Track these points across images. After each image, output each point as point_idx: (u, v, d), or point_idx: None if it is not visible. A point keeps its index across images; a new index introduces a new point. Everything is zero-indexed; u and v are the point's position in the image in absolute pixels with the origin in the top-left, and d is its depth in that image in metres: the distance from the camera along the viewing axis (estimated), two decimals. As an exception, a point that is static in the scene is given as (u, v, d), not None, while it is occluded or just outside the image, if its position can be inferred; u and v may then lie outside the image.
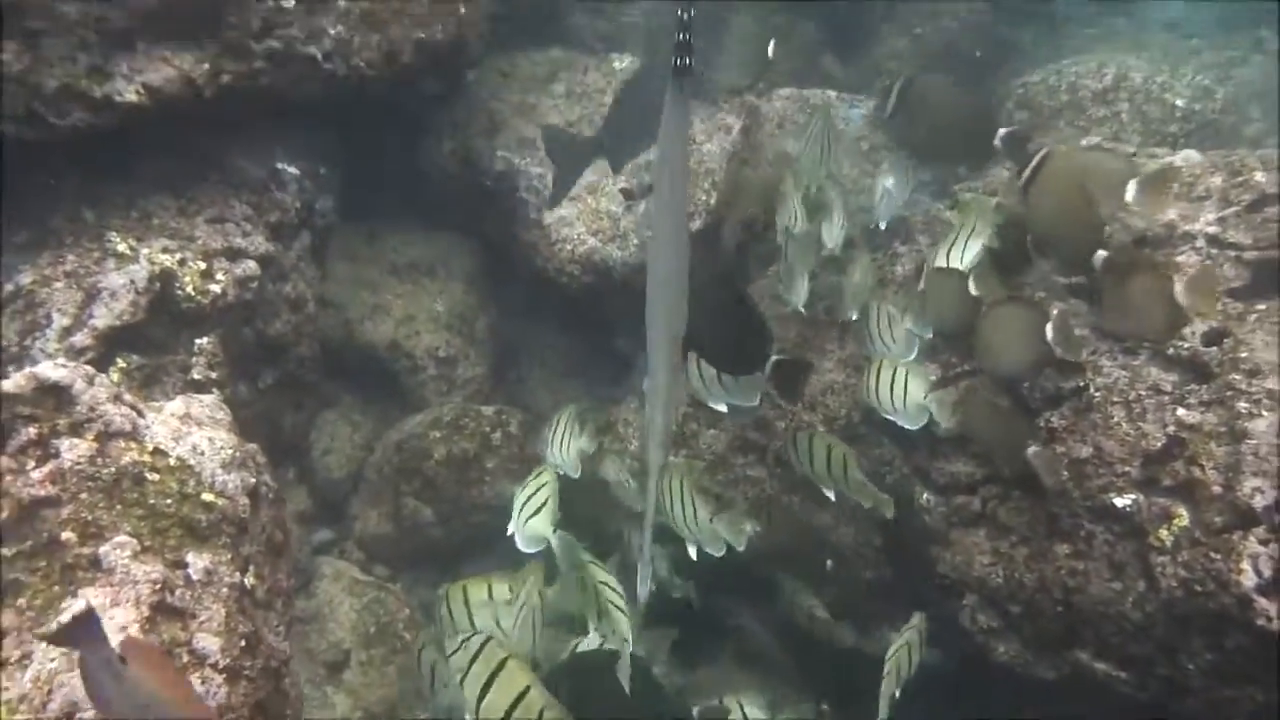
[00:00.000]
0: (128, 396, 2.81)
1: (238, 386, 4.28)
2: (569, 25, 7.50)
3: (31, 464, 2.54)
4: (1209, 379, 3.70)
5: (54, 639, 2.05)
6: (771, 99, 6.21)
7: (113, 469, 2.62)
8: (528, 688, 2.90)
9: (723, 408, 4.01)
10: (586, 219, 5.23)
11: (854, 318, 4.44)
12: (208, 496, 2.75)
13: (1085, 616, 3.75)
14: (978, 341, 3.92)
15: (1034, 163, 3.88)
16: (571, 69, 6.14)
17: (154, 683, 1.98)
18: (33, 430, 2.58)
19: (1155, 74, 7.55)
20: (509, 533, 3.87)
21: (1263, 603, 3.23)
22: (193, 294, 4.08)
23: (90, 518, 2.52)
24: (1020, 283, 4.28)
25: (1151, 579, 3.56)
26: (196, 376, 4.03)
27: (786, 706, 4.55)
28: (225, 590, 2.61)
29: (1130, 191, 3.76)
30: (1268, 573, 3.23)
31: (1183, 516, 3.51)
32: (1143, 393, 3.75)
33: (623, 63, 6.09)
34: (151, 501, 2.62)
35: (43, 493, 2.51)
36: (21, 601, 2.38)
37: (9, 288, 3.90)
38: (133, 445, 2.69)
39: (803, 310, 4.50)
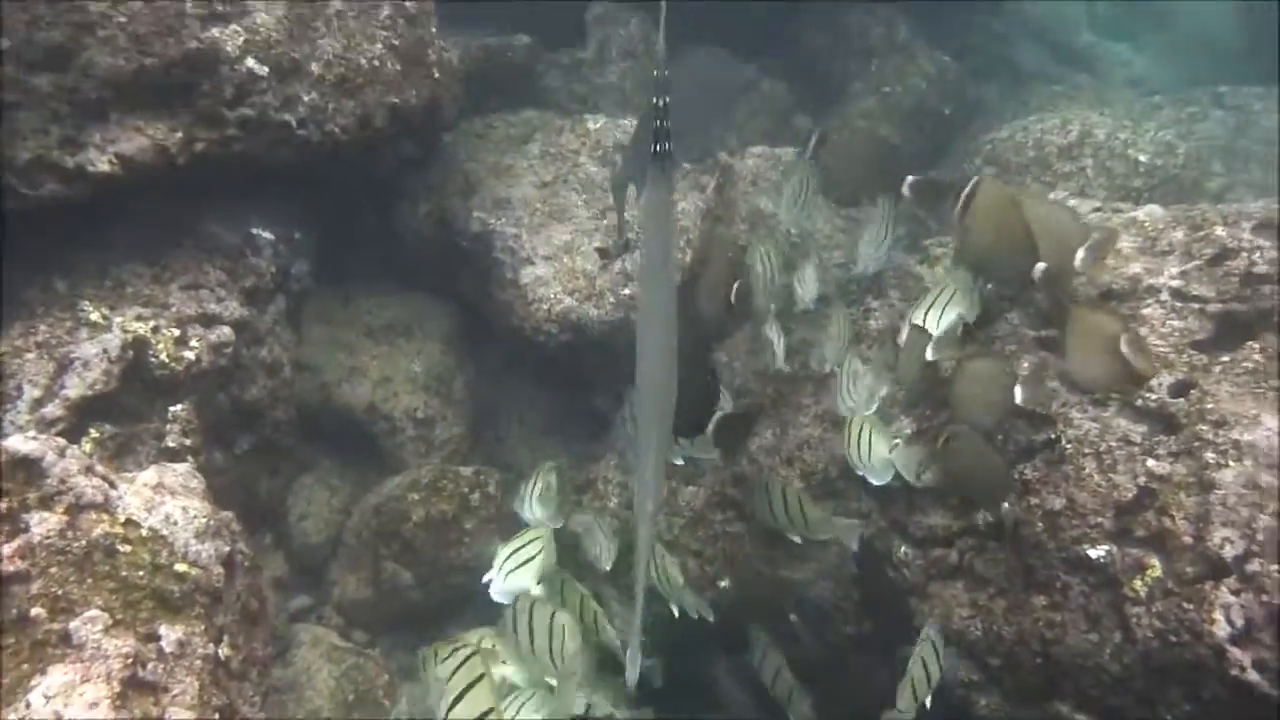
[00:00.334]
0: (99, 467, 2.80)
1: (213, 453, 4.26)
2: (543, 87, 7.63)
3: (0, 539, 2.52)
4: (1177, 430, 3.74)
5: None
6: (744, 157, 6.31)
7: (84, 542, 2.60)
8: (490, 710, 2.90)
9: (679, 460, 4.10)
10: (563, 278, 5.26)
11: (830, 371, 4.47)
12: (181, 567, 2.73)
13: (1064, 668, 3.75)
14: (951, 396, 3.96)
15: (966, 191, 4.00)
16: (546, 130, 6.23)
17: None
18: (2, 505, 2.56)
19: (1119, 130, 7.72)
20: (485, 580, 3.87)
21: (1236, 653, 3.24)
22: (166, 361, 4.08)
23: (60, 592, 2.50)
24: (992, 335, 4.33)
25: (1127, 630, 3.57)
26: (171, 444, 4.02)
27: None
28: (199, 662, 2.59)
29: (1079, 255, 3.97)
30: (1240, 622, 3.25)
31: (1155, 567, 3.52)
32: (1113, 444, 3.78)
33: (597, 123, 6.17)
34: (123, 574, 2.61)
35: (11, 568, 2.49)
36: (-10, 680, 2.36)
37: (-21, 359, 3.89)
38: (104, 517, 2.68)
39: (783, 367, 4.54)
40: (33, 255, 4.21)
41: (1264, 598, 3.23)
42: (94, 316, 4.07)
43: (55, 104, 3.90)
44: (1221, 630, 3.27)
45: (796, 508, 3.99)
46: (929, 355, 4.09)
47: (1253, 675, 3.22)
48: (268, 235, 4.75)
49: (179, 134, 4.15)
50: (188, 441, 4.06)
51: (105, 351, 3.92)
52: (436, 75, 5.17)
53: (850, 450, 4.01)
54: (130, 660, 2.42)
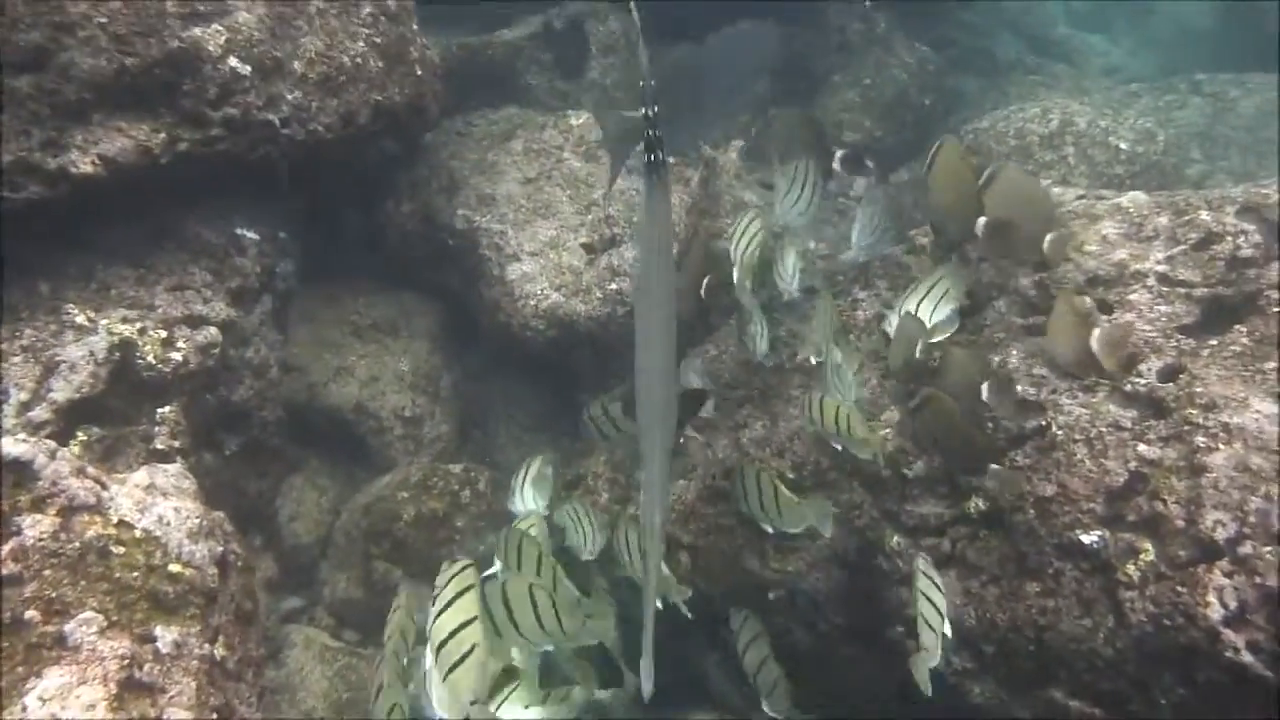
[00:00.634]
0: (91, 469, 2.78)
1: (202, 455, 4.23)
2: (525, 85, 7.61)
3: (-7, 543, 2.50)
4: (1166, 414, 3.76)
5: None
6: (728, 150, 6.31)
7: (77, 544, 2.58)
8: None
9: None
10: (549, 274, 5.26)
11: (814, 361, 4.47)
12: (174, 568, 2.71)
13: (1058, 654, 3.76)
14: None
15: (931, 152, 4.20)
16: (529, 126, 6.22)
17: None
18: (-7, 508, 2.54)
19: (1099, 118, 7.76)
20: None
21: (1230, 635, 3.26)
22: (154, 363, 4.05)
23: (54, 595, 2.48)
24: (981, 324, 4.35)
25: (1121, 615, 3.58)
26: (159, 446, 3.99)
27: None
28: (195, 663, 2.57)
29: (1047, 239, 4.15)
30: (1234, 605, 3.27)
31: (1148, 551, 3.54)
32: (1103, 430, 3.79)
33: (580, 119, 6.16)
34: (117, 575, 2.59)
35: (4, 571, 2.47)
36: (-14, 684, 2.33)
37: (-36, 363, 3.85)
38: (97, 519, 2.66)
39: (765, 357, 4.54)
40: (15, 258, 4.17)
41: (1257, 579, 3.25)
42: (79, 319, 4.04)
43: (36, 106, 3.86)
44: (1215, 613, 3.29)
45: (771, 497, 3.99)
46: (919, 346, 4.10)
47: (1247, 657, 3.23)
48: (252, 235, 4.72)
49: (162, 134, 4.12)
50: (176, 443, 4.04)
51: (92, 354, 3.88)
52: (419, 72, 5.15)
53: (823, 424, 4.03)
54: (127, 662, 2.40)
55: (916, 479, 4.12)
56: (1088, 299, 4.19)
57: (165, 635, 2.56)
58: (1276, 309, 3.94)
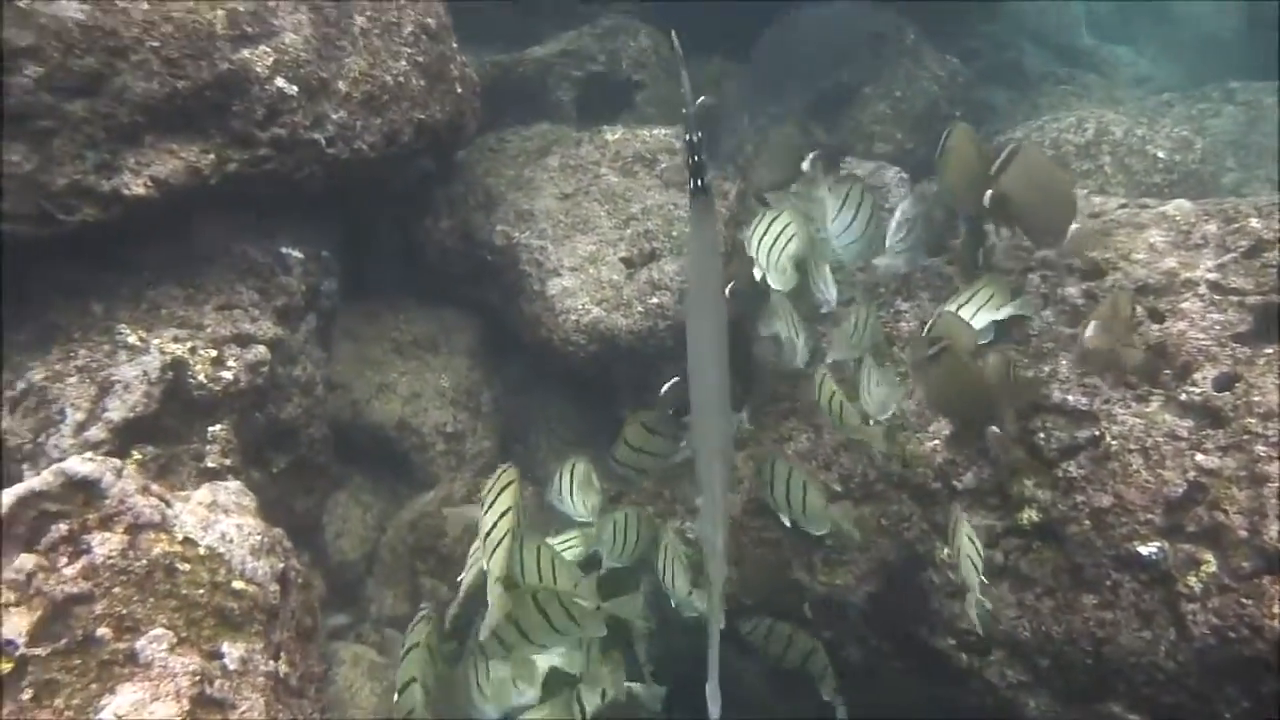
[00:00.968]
0: (155, 487, 2.80)
1: (251, 473, 4.25)
2: (556, 101, 7.64)
3: (63, 561, 2.52)
4: (1224, 424, 3.72)
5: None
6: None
7: (144, 561, 2.59)
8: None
9: None
10: (589, 289, 5.26)
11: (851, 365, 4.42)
12: (238, 584, 2.72)
13: (1116, 667, 3.72)
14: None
15: (944, 136, 4.35)
16: (564, 142, 6.23)
17: None
18: (63, 527, 2.56)
19: (1135, 127, 7.72)
20: None
21: (1299, 646, 3.22)
22: (205, 382, 4.08)
23: (125, 612, 2.49)
24: (1028, 333, 4.31)
25: (1182, 627, 3.55)
26: (211, 464, 4.00)
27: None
28: (261, 679, 2.58)
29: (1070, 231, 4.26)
30: (1301, 615, 3.23)
31: (1210, 562, 3.51)
32: (1159, 440, 3.76)
33: (615, 134, 6.17)
34: (184, 592, 2.60)
35: (75, 589, 2.48)
36: (59, 702, 2.34)
37: (21, 385, 3.88)
38: (163, 536, 2.67)
39: (799, 366, 4.47)
40: (65, 279, 4.22)
41: (1324, 589, 3.21)
42: (131, 339, 4.07)
43: (90, 129, 3.89)
44: (1283, 624, 3.25)
45: (799, 493, 3.95)
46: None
47: (1315, 669, 3.19)
48: (297, 254, 4.75)
49: (211, 155, 4.15)
50: (227, 461, 4.05)
51: (145, 373, 3.91)
52: (459, 90, 5.18)
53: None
54: (198, 678, 2.41)
55: (966, 490, 4.09)
56: (1137, 306, 4.15)
57: (231, 652, 2.57)
58: (1333, 316, 3.90)
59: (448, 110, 5.03)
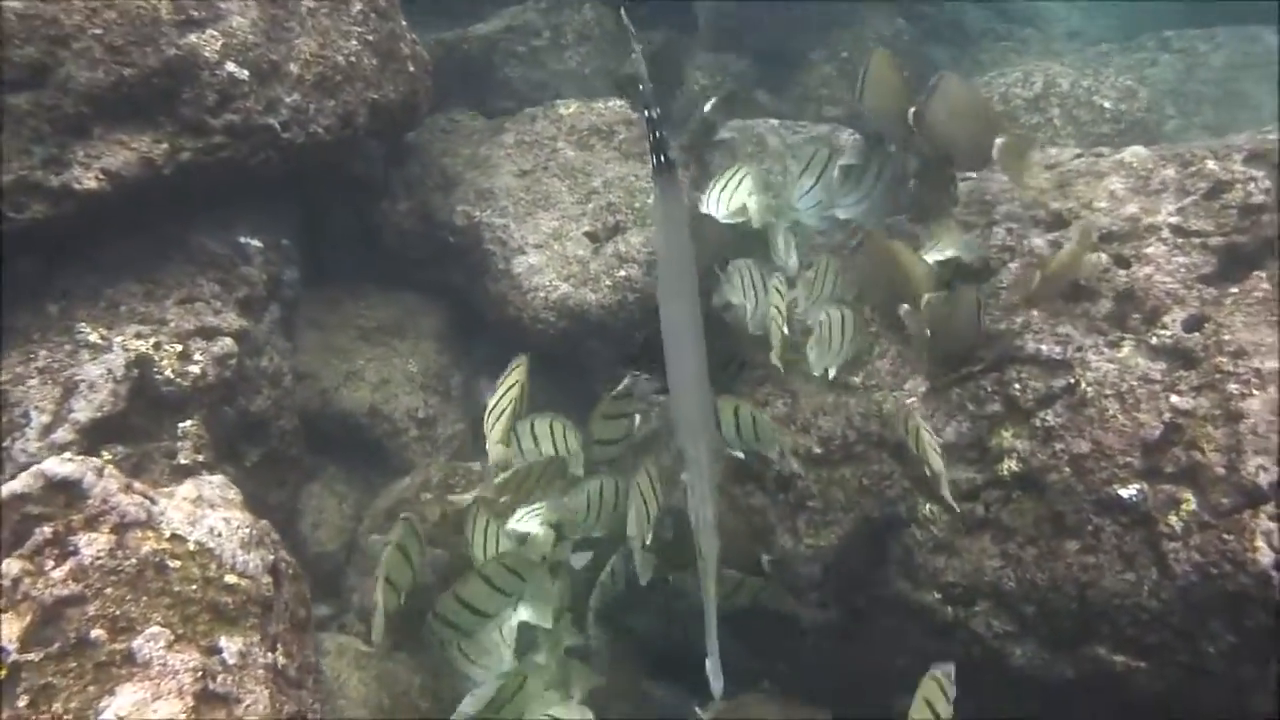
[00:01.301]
0: (138, 485, 2.74)
1: (224, 468, 4.16)
2: (502, 78, 7.55)
3: (50, 564, 2.46)
4: (1196, 365, 3.77)
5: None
6: (722, 131, 6.32)
7: (134, 560, 2.54)
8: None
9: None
10: (556, 266, 5.22)
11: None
12: (230, 578, 2.67)
13: (1101, 610, 3.77)
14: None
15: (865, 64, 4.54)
16: (518, 119, 6.17)
17: None
18: (48, 529, 2.49)
19: (1080, 79, 7.79)
20: None
21: (1280, 578, 3.28)
22: (172, 377, 4.00)
23: (118, 612, 2.43)
24: (996, 285, 4.34)
25: (1164, 567, 3.59)
26: (183, 461, 3.93)
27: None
28: (261, 672, 2.54)
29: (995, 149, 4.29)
30: (1284, 548, 3.29)
31: (1190, 501, 3.56)
32: (1134, 384, 3.80)
33: (569, 108, 6.12)
34: (177, 589, 2.55)
35: (65, 592, 2.42)
36: (56, 706, 2.29)
37: (-20, 389, 3.78)
38: (150, 534, 2.61)
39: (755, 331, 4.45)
40: (19, 280, 4.10)
41: (1305, 520, 3.27)
42: (93, 338, 3.97)
43: (36, 123, 3.79)
44: (1265, 557, 3.31)
45: (749, 423, 4.02)
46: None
47: (1300, 599, 3.25)
48: (256, 243, 4.66)
49: (164, 145, 4.06)
50: (200, 457, 3.98)
51: (110, 372, 3.82)
52: (411, 69, 5.10)
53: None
54: (200, 674, 2.37)
55: (946, 446, 4.11)
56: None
57: (230, 646, 2.52)
58: (1297, 253, 3.96)
59: (401, 90, 4.95)
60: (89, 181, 3.91)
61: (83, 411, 3.72)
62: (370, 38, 4.79)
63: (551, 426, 4.09)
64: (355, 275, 5.90)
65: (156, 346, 4.02)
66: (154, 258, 4.38)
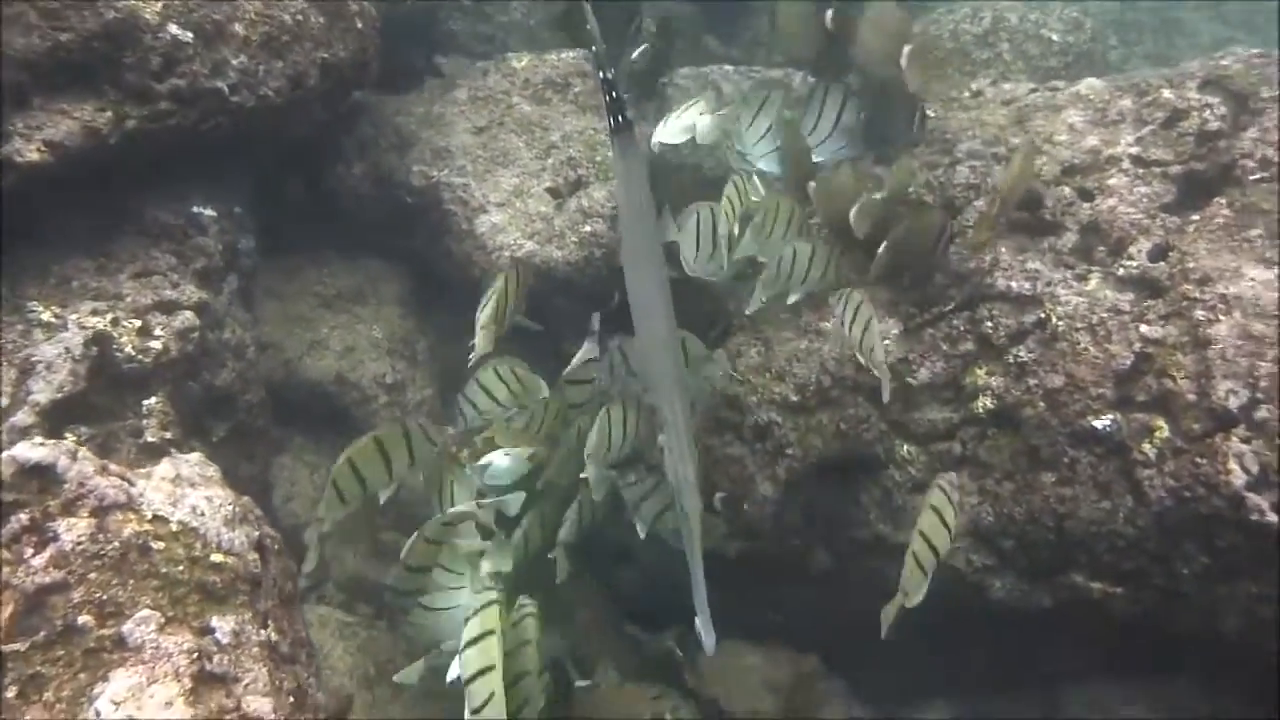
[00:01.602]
0: (114, 467, 2.66)
1: (192, 444, 4.07)
2: (446, 32, 7.38)
3: (29, 551, 2.38)
4: (1163, 293, 3.82)
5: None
6: (673, 79, 6.24)
7: (116, 544, 2.47)
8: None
9: None
10: (519, 224, 5.14)
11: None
12: (217, 557, 2.62)
13: (1078, 539, 3.84)
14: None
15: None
16: (470, 75, 6.04)
17: None
18: (24, 516, 2.42)
19: (1028, 13, 7.76)
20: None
21: (1255, 499, 3.35)
22: (133, 354, 3.89)
23: (105, 597, 2.37)
24: (963, 224, 4.34)
25: (1140, 494, 3.66)
26: (151, 439, 3.84)
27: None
28: (256, 649, 2.49)
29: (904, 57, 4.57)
30: (1255, 469, 3.35)
31: (1163, 428, 3.61)
32: (1103, 315, 3.85)
33: (522, 61, 6.00)
34: (163, 570, 2.49)
35: (48, 579, 2.35)
36: (48, 695, 2.23)
37: (-69, 376, 3.66)
38: (131, 516, 2.55)
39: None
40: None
41: (1277, 441, 3.32)
42: (45, 316, 3.85)
43: (-30, 94, 3.63)
44: (1238, 479, 3.37)
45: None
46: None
47: (1273, 518, 3.32)
48: (210, 212, 4.52)
49: (108, 113, 3.91)
50: (167, 435, 3.89)
51: (68, 350, 3.71)
52: (359, 26, 4.96)
53: None
54: (195, 655, 2.32)
55: (921, 386, 4.14)
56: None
57: (222, 625, 2.47)
58: (1254, 178, 4.00)
59: (350, 48, 4.82)
60: (31, 154, 3.77)
61: (42, 393, 3.61)
62: (316, -6, 4.64)
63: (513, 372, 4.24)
64: (312, 242, 5.76)
65: (114, 323, 3.91)
66: (104, 231, 4.24)
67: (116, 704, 2.18)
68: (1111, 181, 4.21)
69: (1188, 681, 4.25)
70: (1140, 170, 4.23)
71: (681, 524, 3.41)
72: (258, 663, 2.42)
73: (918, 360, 4.13)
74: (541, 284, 5.08)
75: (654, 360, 3.50)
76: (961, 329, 4.09)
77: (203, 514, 2.68)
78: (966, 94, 5.43)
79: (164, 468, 2.79)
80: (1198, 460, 3.49)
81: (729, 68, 6.62)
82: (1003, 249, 4.16)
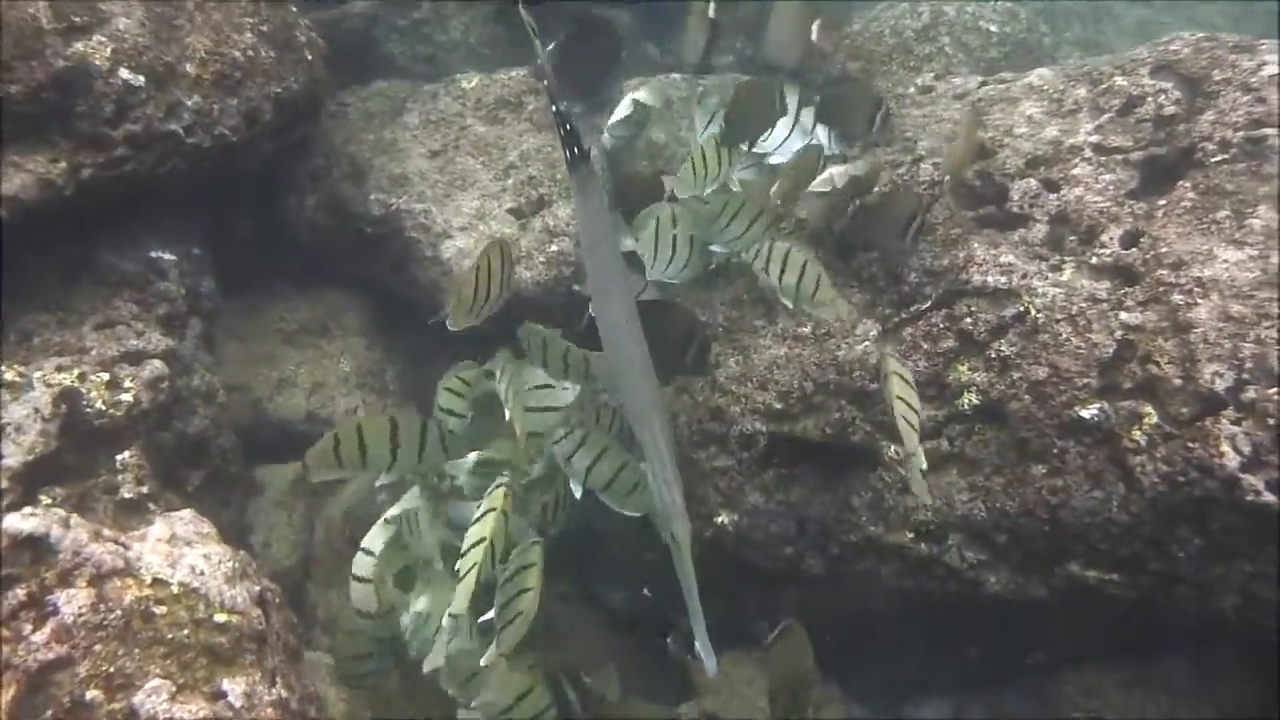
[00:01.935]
0: (107, 531, 2.57)
1: (168, 496, 3.97)
2: (385, 54, 7.27)
3: (28, 628, 2.29)
4: (1138, 280, 3.85)
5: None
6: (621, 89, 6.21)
7: (119, 611, 2.38)
8: None
9: None
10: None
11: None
12: (221, 616, 2.54)
13: (1073, 530, 3.85)
14: None
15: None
16: (419, 98, 5.95)
17: None
18: (20, 591, 2.32)
19: (965, 5, 7.81)
20: None
21: (1250, 479, 3.38)
22: (103, 408, 3.78)
23: (112, 669, 2.28)
24: (932, 223, 4.35)
25: (1132, 480, 3.68)
26: (127, 495, 3.72)
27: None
28: (270, 710, 2.42)
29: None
30: (1248, 450, 3.38)
31: (1151, 414, 3.64)
32: (1082, 305, 3.87)
33: (471, 82, 5.93)
34: (169, 636, 2.40)
35: (51, 655, 2.26)
36: (62, 780, 2.14)
37: (-106, 445, 3.52)
38: (130, 581, 2.46)
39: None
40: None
41: (1268, 421, 3.36)
42: (9, 375, 3.72)
43: (-81, 152, 3.51)
44: (1232, 460, 3.40)
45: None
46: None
47: (1268, 497, 3.35)
48: (169, 256, 4.42)
49: (62, 163, 3.81)
50: (144, 489, 3.78)
51: (36, 410, 3.59)
52: (309, 57, 4.88)
53: None
54: (211, 724, 2.24)
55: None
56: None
57: (233, 688, 2.39)
58: (1215, 160, 4.05)
59: (302, 81, 4.73)
60: (-16, 210, 3.65)
61: (14, 457, 3.49)
62: (264, 28, 4.55)
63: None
64: (266, 277, 5.66)
65: (81, 378, 3.79)
66: (61, 282, 4.13)
67: (137, 782, 2.09)
68: (1076, 171, 4.24)
69: (1182, 660, 4.29)
70: (1103, 158, 4.26)
71: (672, 550, 3.41)
72: (275, 725, 2.35)
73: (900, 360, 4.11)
74: (511, 306, 5.02)
75: (629, 389, 3.50)
76: (941, 326, 4.10)
77: (202, 573, 2.60)
78: (913, 89, 5.46)
79: (158, 528, 2.70)
80: (1189, 444, 3.51)
81: (676, 76, 6.60)
82: (975, 244, 4.17)
